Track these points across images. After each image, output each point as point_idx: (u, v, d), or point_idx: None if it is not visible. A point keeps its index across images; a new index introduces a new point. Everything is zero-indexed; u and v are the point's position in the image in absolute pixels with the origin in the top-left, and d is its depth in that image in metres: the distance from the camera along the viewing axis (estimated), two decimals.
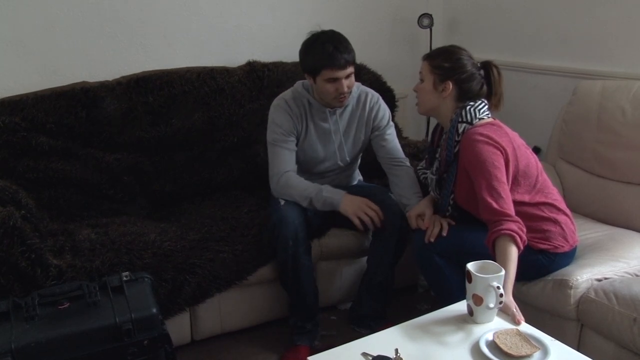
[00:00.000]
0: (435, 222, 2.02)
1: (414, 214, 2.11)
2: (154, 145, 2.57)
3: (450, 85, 1.94)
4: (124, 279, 1.79)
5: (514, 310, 1.58)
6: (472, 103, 1.93)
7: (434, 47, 3.23)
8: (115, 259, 1.99)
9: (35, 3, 2.48)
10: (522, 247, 1.72)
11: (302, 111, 2.26)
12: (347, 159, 2.36)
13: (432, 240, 1.98)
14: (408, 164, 2.36)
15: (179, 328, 2.17)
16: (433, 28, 3.25)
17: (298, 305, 2.26)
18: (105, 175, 2.44)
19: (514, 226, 1.72)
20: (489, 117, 1.94)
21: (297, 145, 2.28)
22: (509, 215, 1.75)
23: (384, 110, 2.36)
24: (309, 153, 2.31)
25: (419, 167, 2.30)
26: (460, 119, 1.92)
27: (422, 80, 2.01)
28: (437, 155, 2.07)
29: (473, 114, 1.91)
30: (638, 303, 1.72)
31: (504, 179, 1.82)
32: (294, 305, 2.27)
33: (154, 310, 1.71)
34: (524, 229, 1.74)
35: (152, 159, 2.57)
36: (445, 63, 1.95)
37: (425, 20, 3.19)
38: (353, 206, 2.17)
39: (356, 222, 2.16)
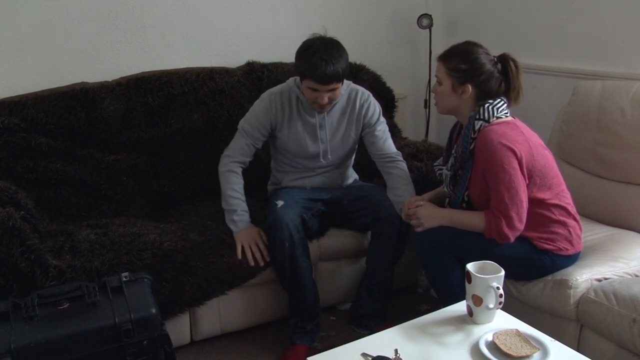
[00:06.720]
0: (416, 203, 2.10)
1: (411, 201, 2.14)
2: (153, 145, 2.56)
3: (470, 87, 1.93)
4: (124, 279, 1.78)
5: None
6: (490, 101, 1.93)
7: (433, 48, 3.25)
8: (115, 260, 1.99)
9: (35, 3, 2.47)
10: (491, 237, 1.87)
11: (286, 105, 2.28)
12: (329, 156, 2.35)
13: (412, 223, 2.06)
14: (401, 158, 2.38)
15: (178, 328, 2.16)
16: (432, 28, 3.25)
17: (298, 306, 2.26)
18: (104, 175, 2.44)
19: (510, 235, 1.85)
20: (507, 116, 1.93)
21: (276, 139, 2.33)
22: (519, 230, 1.87)
23: (374, 106, 2.36)
24: (296, 147, 2.32)
25: (435, 164, 2.30)
26: (477, 116, 1.92)
27: (439, 83, 1.99)
28: (453, 152, 2.06)
29: (491, 112, 1.91)
30: (638, 303, 1.72)
31: (518, 181, 1.83)
32: (294, 306, 2.27)
33: (154, 310, 1.71)
34: (512, 239, 1.87)
35: (152, 160, 2.57)
36: (462, 65, 1.93)
37: (425, 20, 3.20)
38: (245, 238, 2.19)
39: (238, 250, 2.17)
